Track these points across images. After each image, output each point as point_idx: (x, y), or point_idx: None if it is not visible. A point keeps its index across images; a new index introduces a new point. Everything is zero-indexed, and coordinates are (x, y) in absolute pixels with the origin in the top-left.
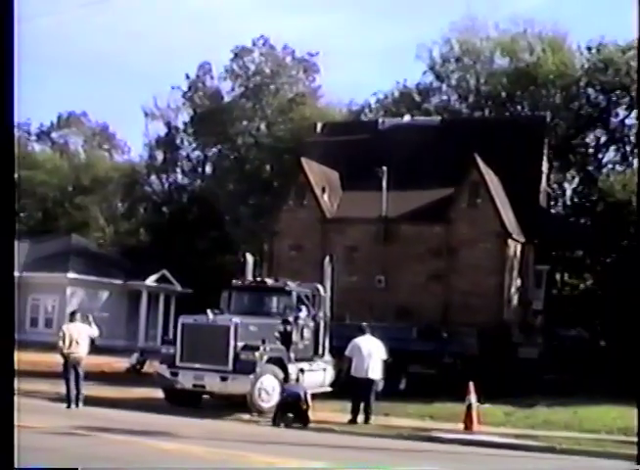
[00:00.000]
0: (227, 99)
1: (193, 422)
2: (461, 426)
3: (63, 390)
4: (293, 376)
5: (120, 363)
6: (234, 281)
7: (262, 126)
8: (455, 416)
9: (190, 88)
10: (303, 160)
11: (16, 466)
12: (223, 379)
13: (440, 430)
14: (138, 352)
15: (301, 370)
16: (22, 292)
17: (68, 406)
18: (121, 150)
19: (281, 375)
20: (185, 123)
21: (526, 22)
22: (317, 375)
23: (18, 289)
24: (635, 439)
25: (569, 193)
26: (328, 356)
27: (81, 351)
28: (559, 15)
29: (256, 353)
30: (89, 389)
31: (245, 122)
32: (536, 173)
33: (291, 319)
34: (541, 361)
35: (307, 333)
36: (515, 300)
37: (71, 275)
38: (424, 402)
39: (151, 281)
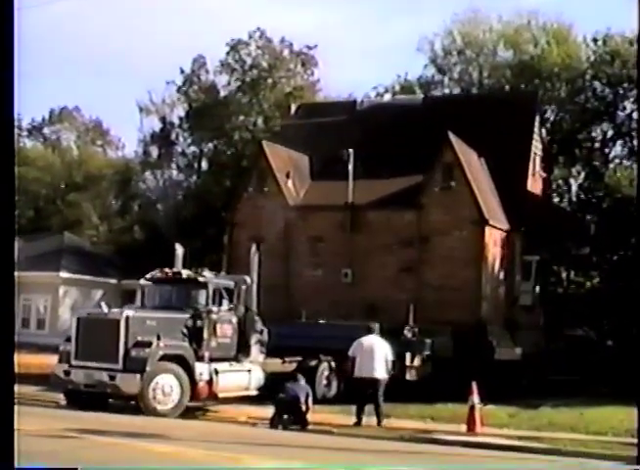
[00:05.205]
0: (223, 93)
1: (188, 424)
2: (464, 427)
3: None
4: (204, 376)
5: None
6: (150, 273)
7: (259, 121)
8: (457, 418)
9: (185, 83)
10: (265, 143)
11: (15, 466)
12: (112, 378)
13: (442, 432)
14: None
15: (216, 370)
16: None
17: None
18: (115, 146)
19: (183, 374)
20: (180, 118)
21: (530, 13)
22: (239, 377)
23: None
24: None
25: (574, 189)
26: (259, 357)
27: None
28: (563, 6)
29: (147, 350)
30: None
31: (241, 117)
32: (524, 154)
33: (203, 314)
34: (525, 363)
35: (228, 329)
36: (497, 294)
37: (64, 274)
38: (425, 403)
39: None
